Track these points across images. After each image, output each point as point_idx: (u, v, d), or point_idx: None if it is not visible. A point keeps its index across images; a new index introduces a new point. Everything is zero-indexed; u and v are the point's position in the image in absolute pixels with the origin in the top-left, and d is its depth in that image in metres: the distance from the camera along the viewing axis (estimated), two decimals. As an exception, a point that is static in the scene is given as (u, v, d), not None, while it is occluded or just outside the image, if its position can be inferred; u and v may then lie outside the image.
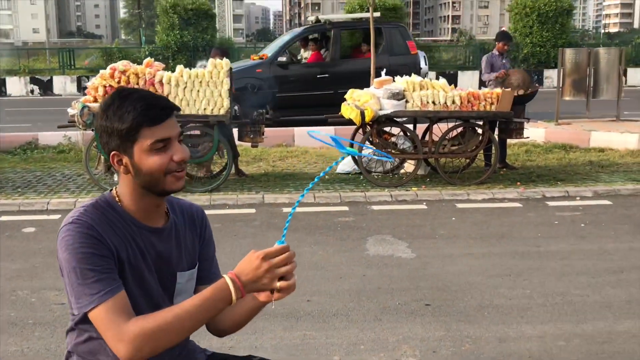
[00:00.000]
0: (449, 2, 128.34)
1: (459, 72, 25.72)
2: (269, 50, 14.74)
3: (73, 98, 7.67)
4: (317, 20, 14.85)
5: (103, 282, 1.72)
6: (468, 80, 24.56)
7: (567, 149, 10.90)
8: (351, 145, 1.68)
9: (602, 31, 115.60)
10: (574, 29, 38.19)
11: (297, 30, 16.17)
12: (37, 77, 25.26)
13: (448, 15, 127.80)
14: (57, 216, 7.19)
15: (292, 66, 13.94)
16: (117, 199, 1.88)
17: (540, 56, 25.33)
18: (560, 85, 12.61)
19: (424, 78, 8.69)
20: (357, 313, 4.63)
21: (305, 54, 14.60)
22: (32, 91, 24.76)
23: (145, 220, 1.89)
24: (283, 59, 13.83)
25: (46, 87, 24.89)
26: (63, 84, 24.93)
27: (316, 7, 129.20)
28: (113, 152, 1.81)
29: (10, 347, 4.12)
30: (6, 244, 6.29)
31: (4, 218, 7.23)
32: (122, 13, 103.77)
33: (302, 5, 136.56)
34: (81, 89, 23.67)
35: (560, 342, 4.19)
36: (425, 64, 15.37)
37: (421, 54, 15.39)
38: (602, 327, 4.39)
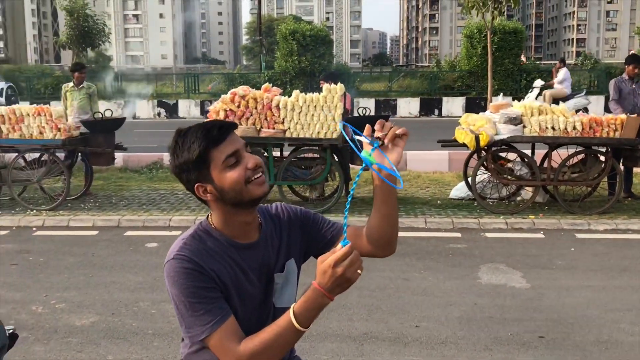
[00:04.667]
0: (573, 25, 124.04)
1: (583, 97, 24.74)
2: None
3: (197, 121, 7.99)
4: None
5: (211, 312, 1.87)
6: (593, 105, 23.52)
7: (701, 179, 10.21)
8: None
9: None
10: None
11: None
12: (164, 100, 26.72)
13: (572, 39, 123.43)
14: (178, 232, 7.54)
15: None
16: (213, 225, 2.00)
17: (672, 80, 23.96)
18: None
19: None
20: (467, 342, 4.53)
21: None
22: (159, 114, 26.22)
23: (241, 238, 2.00)
24: None
25: (172, 111, 26.29)
26: (187, 108, 26.24)
27: (434, 31, 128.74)
28: (197, 185, 1.93)
29: (132, 355, 4.36)
30: (130, 258, 6.67)
31: (130, 233, 7.68)
32: (245, 40, 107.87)
33: (420, 29, 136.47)
34: (204, 112, 24.79)
35: (687, 385, 3.92)
36: (2, 97, 14.24)
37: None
38: None
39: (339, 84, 8.21)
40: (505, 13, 20.48)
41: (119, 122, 9.69)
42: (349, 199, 1.85)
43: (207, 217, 2.03)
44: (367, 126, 1.85)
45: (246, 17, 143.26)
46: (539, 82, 17.26)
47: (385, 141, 1.83)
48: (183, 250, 1.91)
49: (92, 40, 33.12)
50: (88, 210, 8.71)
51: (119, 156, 11.16)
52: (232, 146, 1.90)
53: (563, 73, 17.77)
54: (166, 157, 12.35)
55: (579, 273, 6.06)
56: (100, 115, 9.36)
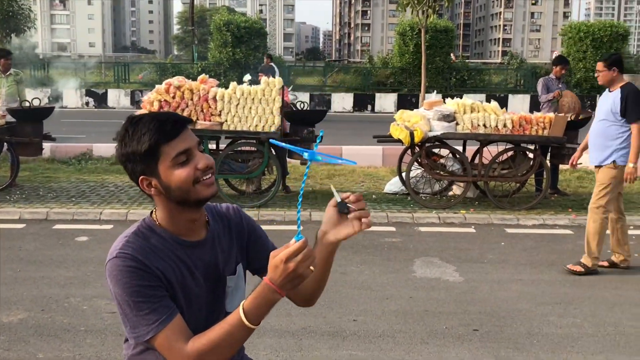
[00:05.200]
0: (499, 25, 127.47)
1: (510, 95, 25.48)
2: None
3: (127, 111, 7.88)
4: None
5: (156, 311, 1.79)
6: (519, 103, 24.30)
7: (621, 176, 10.64)
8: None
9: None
10: (628, 54, 37.47)
11: None
12: (92, 89, 25.97)
13: (499, 38, 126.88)
14: (109, 226, 7.35)
15: None
16: (157, 222, 1.93)
17: (594, 81, 24.89)
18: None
19: None
20: (404, 335, 4.60)
21: None
22: (87, 103, 25.46)
23: (187, 236, 1.93)
24: None
25: (101, 100, 25.56)
26: (117, 97, 25.59)
27: (366, 28, 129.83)
28: (141, 177, 1.85)
29: (63, 353, 4.22)
30: (60, 252, 6.45)
31: (59, 226, 7.43)
32: (176, 29, 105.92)
33: (352, 25, 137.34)
34: (134, 102, 24.23)
35: (612, 374, 4.09)
36: None
37: None
38: (656, 361, 4.27)
39: (277, 77, 8.16)
40: (437, 11, 20.81)
41: (47, 111, 9.34)
42: (301, 192, 1.85)
43: (151, 213, 1.96)
44: (348, 194, 1.84)
45: (178, 6, 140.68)
46: (247, 77, 18.01)
47: (351, 215, 1.81)
48: (126, 248, 1.83)
49: (17, 26, 31.78)
50: (14, 202, 8.37)
51: (46, 146, 10.75)
52: (185, 143, 1.83)
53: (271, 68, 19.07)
54: (95, 147, 12.02)
55: (510, 267, 6.24)
56: (28, 104, 9.00)
